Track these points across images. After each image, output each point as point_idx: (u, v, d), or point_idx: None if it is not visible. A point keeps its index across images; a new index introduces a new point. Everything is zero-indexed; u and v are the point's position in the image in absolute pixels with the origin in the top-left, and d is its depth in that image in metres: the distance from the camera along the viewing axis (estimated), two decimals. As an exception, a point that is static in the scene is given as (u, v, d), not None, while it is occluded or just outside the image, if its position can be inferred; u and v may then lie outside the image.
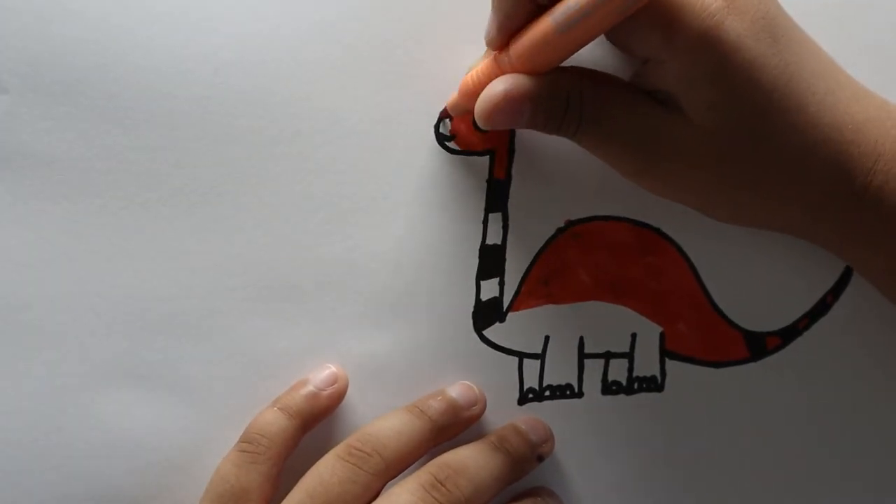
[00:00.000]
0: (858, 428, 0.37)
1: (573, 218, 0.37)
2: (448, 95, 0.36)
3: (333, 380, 0.36)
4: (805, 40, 0.32)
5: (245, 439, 0.34)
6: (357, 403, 0.36)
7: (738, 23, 0.29)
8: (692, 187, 0.32)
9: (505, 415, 0.37)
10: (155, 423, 0.36)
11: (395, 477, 0.34)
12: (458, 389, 0.36)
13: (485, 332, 0.37)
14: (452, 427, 0.35)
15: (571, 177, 0.37)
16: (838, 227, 0.32)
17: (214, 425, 0.36)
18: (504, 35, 0.32)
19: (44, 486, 0.36)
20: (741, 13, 0.29)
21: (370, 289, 0.36)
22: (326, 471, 0.33)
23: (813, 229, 0.33)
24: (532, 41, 0.31)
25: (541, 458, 0.36)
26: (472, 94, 0.33)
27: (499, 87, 0.31)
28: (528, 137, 0.36)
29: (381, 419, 0.35)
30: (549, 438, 0.36)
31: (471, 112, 0.33)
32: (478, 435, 0.36)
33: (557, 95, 0.31)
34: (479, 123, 0.32)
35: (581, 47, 0.30)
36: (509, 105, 0.31)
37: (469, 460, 0.34)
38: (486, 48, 0.33)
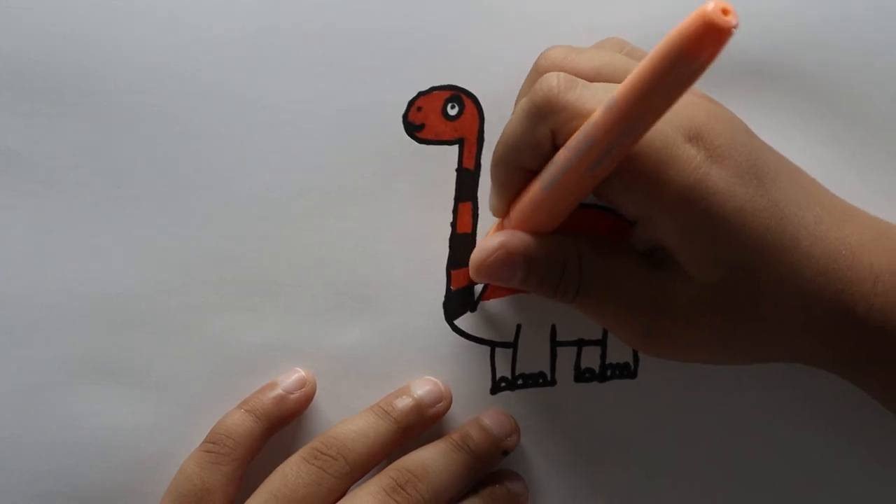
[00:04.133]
0: (829, 412, 0.37)
1: (544, 206, 0.37)
2: (419, 84, 0.36)
3: (302, 384, 0.36)
4: (789, 170, 0.31)
5: (210, 440, 0.34)
6: (328, 395, 0.36)
7: (724, 170, 0.29)
8: (698, 344, 0.32)
9: (478, 404, 0.37)
10: (127, 420, 0.36)
11: (360, 478, 0.34)
12: (422, 387, 0.36)
13: (456, 322, 0.37)
14: (417, 426, 0.35)
15: (541, 165, 0.37)
16: (848, 352, 0.32)
17: (187, 422, 0.36)
18: (504, 202, 0.32)
19: (15, 485, 0.36)
20: (725, 160, 0.29)
21: (341, 281, 0.36)
22: (291, 472, 0.33)
23: (823, 358, 0.33)
24: (525, 203, 0.31)
25: (505, 453, 0.35)
26: None
27: (495, 239, 0.31)
28: (498, 127, 0.36)
29: (346, 421, 0.35)
30: (513, 432, 0.36)
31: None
32: (447, 427, 0.36)
33: (554, 258, 0.31)
34: (473, 276, 0.32)
35: (570, 207, 0.30)
36: (504, 258, 0.31)
37: (429, 462, 0.34)
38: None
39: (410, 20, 0.36)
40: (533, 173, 0.30)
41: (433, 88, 0.36)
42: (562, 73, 0.29)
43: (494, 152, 0.31)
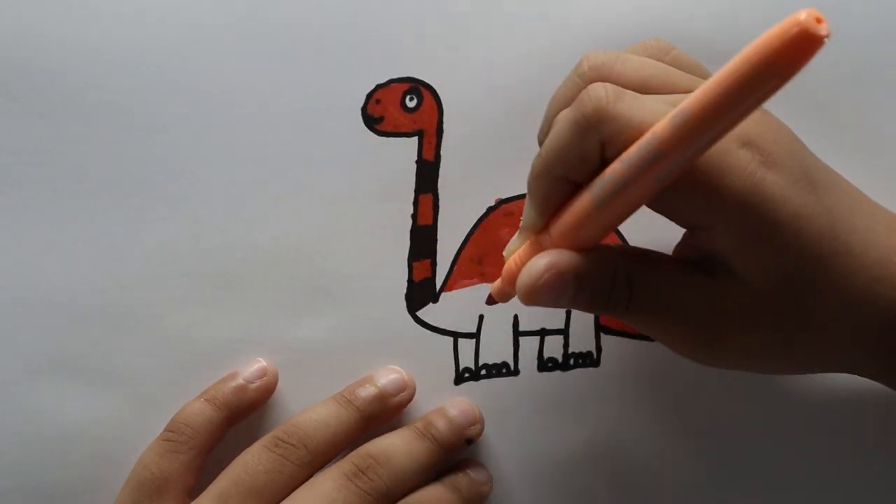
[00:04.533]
0: (790, 396, 0.37)
1: (504, 196, 0.37)
2: (377, 77, 0.36)
3: (263, 373, 0.36)
4: (837, 179, 0.31)
5: (169, 429, 0.35)
6: (291, 389, 0.36)
7: (778, 176, 0.28)
8: (754, 352, 0.31)
9: (441, 395, 0.37)
10: (89, 415, 0.36)
11: (322, 467, 0.34)
12: (386, 376, 0.36)
13: (419, 314, 0.37)
14: (380, 415, 0.35)
15: (501, 156, 0.37)
16: None
17: (149, 417, 0.36)
18: (543, 217, 0.31)
19: (-23, 483, 0.36)
20: (779, 166, 0.28)
21: (302, 274, 0.36)
22: (252, 459, 0.33)
23: (870, 367, 0.32)
24: (573, 218, 0.29)
25: (469, 441, 0.36)
26: (517, 277, 0.30)
27: (542, 261, 0.29)
28: (456, 118, 0.37)
29: (308, 410, 0.35)
30: (477, 421, 0.36)
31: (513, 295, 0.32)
32: (411, 418, 0.36)
33: (603, 272, 0.30)
34: (522, 301, 0.30)
35: (623, 219, 0.29)
36: (553, 279, 0.29)
37: (392, 449, 0.34)
38: (520, 233, 0.32)
39: (368, 13, 0.36)
40: (576, 186, 0.29)
41: (391, 81, 0.36)
42: (608, 84, 0.28)
43: (534, 165, 0.30)
